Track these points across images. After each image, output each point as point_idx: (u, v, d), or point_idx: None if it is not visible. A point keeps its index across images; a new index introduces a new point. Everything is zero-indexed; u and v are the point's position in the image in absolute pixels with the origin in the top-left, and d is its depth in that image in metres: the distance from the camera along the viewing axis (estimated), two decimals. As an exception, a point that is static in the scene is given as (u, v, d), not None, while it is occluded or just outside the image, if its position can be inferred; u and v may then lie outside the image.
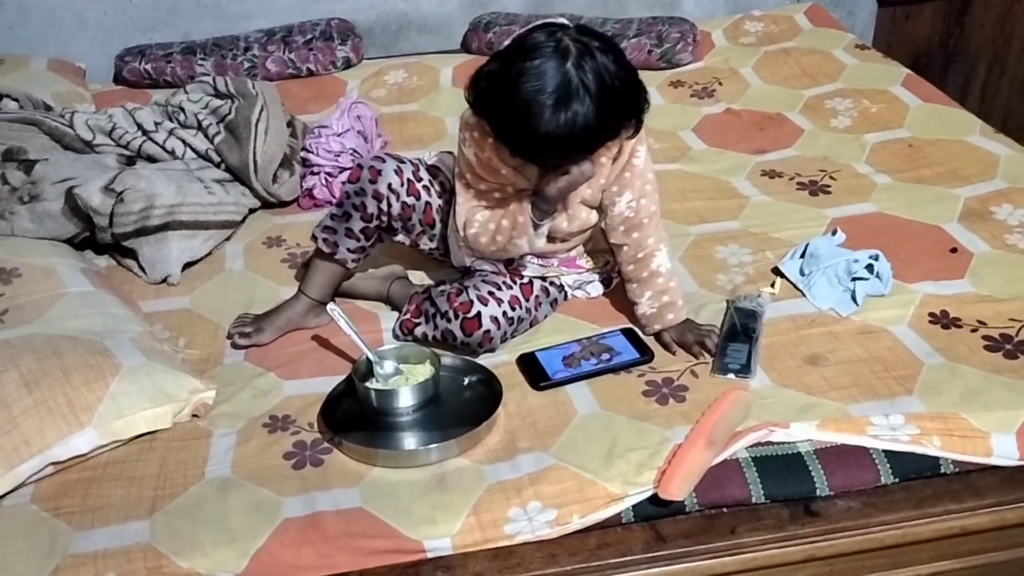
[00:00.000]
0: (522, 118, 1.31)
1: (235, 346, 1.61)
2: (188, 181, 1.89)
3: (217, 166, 2.03)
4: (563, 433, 1.38)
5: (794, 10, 2.94)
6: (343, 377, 1.51)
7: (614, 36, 2.63)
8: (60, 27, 2.76)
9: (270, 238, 1.96)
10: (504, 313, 1.55)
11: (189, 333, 1.68)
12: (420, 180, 1.62)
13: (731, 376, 1.48)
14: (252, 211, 2.04)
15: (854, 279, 1.64)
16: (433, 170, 1.66)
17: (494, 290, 1.57)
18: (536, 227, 1.51)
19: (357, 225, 1.59)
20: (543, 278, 1.66)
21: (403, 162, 1.61)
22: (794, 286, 1.69)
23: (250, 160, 1.98)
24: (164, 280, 1.82)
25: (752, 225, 1.91)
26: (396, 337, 1.64)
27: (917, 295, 1.64)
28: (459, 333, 1.54)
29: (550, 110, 1.29)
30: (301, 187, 2.09)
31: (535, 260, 1.66)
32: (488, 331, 1.53)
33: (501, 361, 1.56)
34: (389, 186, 1.57)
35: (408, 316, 1.62)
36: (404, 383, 1.47)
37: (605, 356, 1.54)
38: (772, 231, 1.88)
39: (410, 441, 1.41)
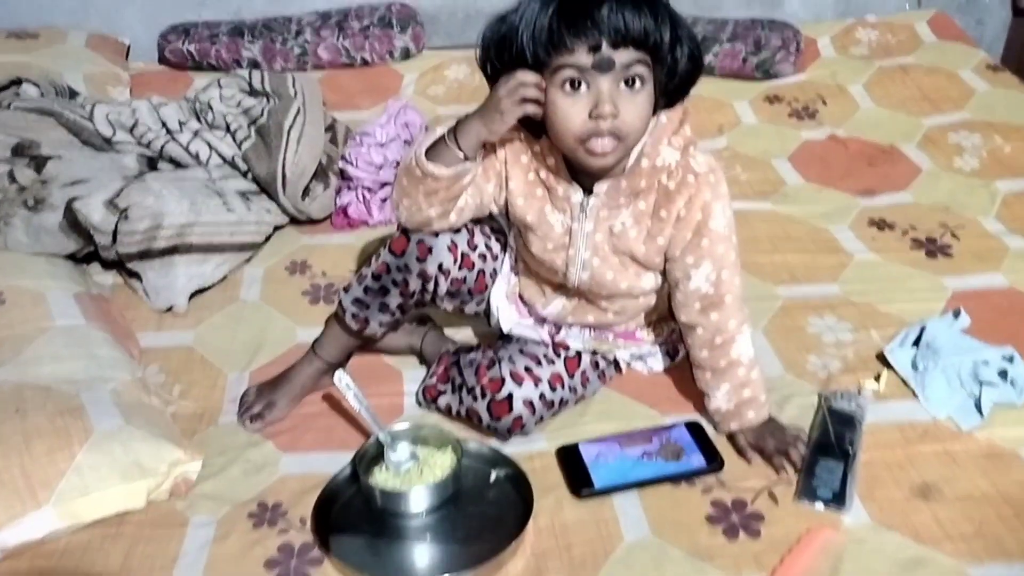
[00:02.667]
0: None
1: (247, 428, 1.37)
2: (205, 196, 1.66)
3: (244, 175, 1.81)
4: (603, 568, 1.12)
5: (915, 18, 2.57)
6: (351, 454, 1.27)
7: (704, 39, 2.31)
8: (105, -3, 2.56)
9: (294, 263, 1.73)
10: (542, 395, 1.29)
11: (187, 379, 1.46)
12: (475, 248, 1.34)
13: (820, 506, 1.19)
14: (279, 227, 1.81)
15: (981, 383, 1.33)
16: (489, 229, 1.39)
17: (532, 365, 1.31)
18: (582, 205, 1.25)
19: (395, 301, 1.33)
20: (594, 351, 1.39)
21: (458, 231, 1.32)
22: (904, 382, 1.39)
23: (278, 172, 1.74)
24: (170, 309, 1.60)
25: (855, 292, 1.60)
26: (419, 403, 1.39)
27: (1059, 409, 1.32)
28: (486, 415, 1.29)
29: None
30: (336, 203, 1.85)
31: (586, 333, 1.39)
32: (520, 417, 1.28)
33: (537, 450, 1.31)
34: (440, 266, 1.30)
35: (434, 381, 1.38)
36: (418, 475, 1.23)
37: (664, 457, 1.27)
38: (879, 302, 1.57)
39: (417, 559, 1.17)
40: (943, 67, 2.33)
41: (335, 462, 1.28)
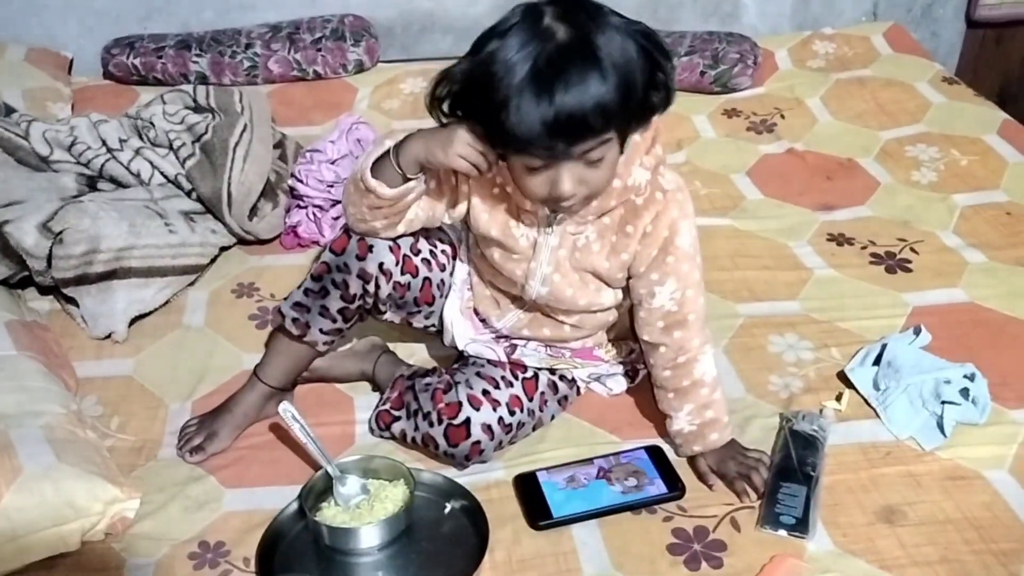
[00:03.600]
0: (505, 101, 0.99)
1: (186, 460, 1.31)
2: (145, 217, 1.60)
3: (188, 195, 1.74)
4: (562, 605, 1.08)
5: (871, 30, 2.57)
6: (298, 487, 1.21)
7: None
8: (46, 8, 2.47)
9: (241, 285, 1.67)
10: (500, 419, 1.25)
11: (126, 411, 1.40)
12: (418, 253, 1.31)
13: (783, 532, 1.16)
14: (225, 248, 1.75)
15: (943, 403, 1.30)
16: (436, 240, 1.35)
17: (490, 388, 1.26)
18: (549, 220, 1.20)
19: (335, 305, 1.29)
20: (551, 370, 1.35)
21: (401, 236, 1.28)
22: (866, 402, 1.37)
23: (224, 191, 1.68)
24: (108, 336, 1.53)
25: (815, 308, 1.58)
26: (371, 431, 1.34)
27: (1022, 427, 1.30)
28: (443, 442, 1.24)
29: (536, 79, 0.98)
30: (285, 223, 1.79)
31: (541, 348, 1.35)
32: (478, 442, 1.23)
33: (494, 479, 1.26)
34: (381, 266, 1.26)
35: (388, 407, 1.32)
36: (368, 511, 1.18)
37: (625, 484, 1.23)
38: (839, 319, 1.55)
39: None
40: (900, 80, 2.33)
41: (282, 497, 1.23)
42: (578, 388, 1.40)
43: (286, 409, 1.22)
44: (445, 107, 1.10)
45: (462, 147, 1.10)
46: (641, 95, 1.05)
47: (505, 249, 1.25)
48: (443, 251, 1.35)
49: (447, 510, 1.21)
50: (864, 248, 1.73)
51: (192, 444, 1.30)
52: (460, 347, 1.35)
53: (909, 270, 1.66)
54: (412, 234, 1.29)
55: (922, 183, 1.93)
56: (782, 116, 2.21)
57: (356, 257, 1.25)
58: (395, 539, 1.16)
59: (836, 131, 2.15)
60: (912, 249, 1.72)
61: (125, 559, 1.15)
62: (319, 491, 1.21)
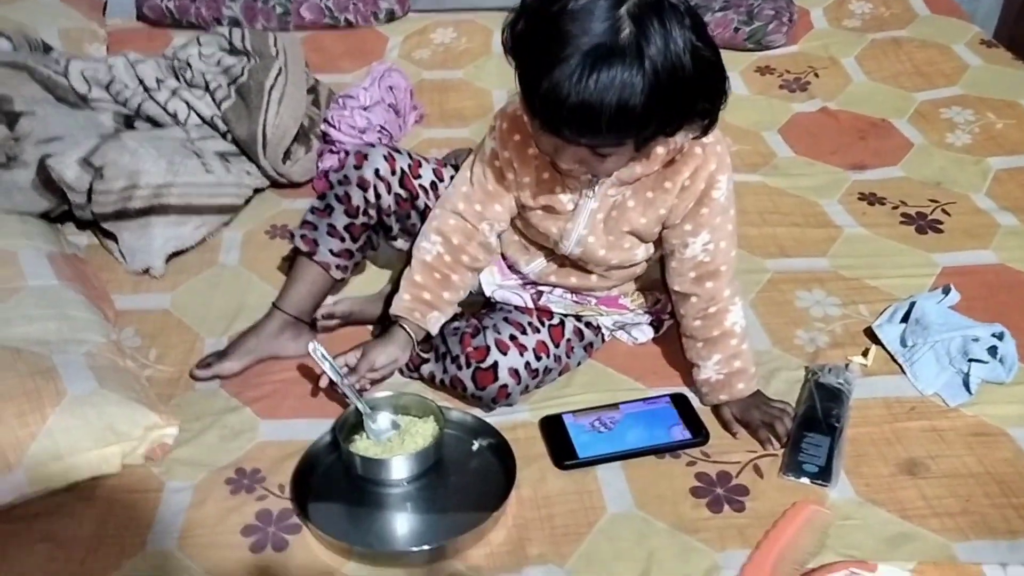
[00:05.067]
0: (546, 64, 0.96)
1: (194, 377, 1.35)
2: (183, 156, 1.62)
3: (223, 136, 1.76)
4: (586, 539, 1.11)
5: (909, -9, 2.53)
6: (331, 421, 1.25)
7: (696, 7, 2.26)
8: (82, -51, 2.47)
9: (274, 227, 1.69)
10: (527, 364, 1.27)
11: (163, 343, 1.43)
12: (418, 177, 1.37)
13: (805, 480, 1.18)
14: (259, 191, 1.77)
15: (970, 360, 1.31)
16: (439, 173, 1.39)
17: (517, 334, 1.28)
18: (591, 182, 1.21)
19: (341, 220, 1.35)
20: (577, 317, 1.37)
21: (399, 152, 1.37)
22: (892, 358, 1.38)
23: (259, 134, 1.70)
24: (146, 271, 1.56)
25: (844, 266, 1.58)
26: (400, 372, 1.37)
27: (1047, 387, 1.32)
28: (470, 384, 1.26)
29: (581, 62, 0.95)
30: (317, 167, 1.81)
31: (567, 295, 1.37)
32: (505, 385, 1.25)
33: (521, 420, 1.29)
34: (377, 172, 1.33)
35: (418, 350, 1.35)
36: (399, 444, 1.21)
37: (648, 429, 1.25)
38: (868, 277, 1.55)
39: (397, 528, 1.15)
40: (936, 41, 2.30)
41: (315, 429, 1.25)
42: (603, 336, 1.42)
43: (315, 349, 1.24)
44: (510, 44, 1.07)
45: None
46: (676, 120, 1.04)
47: (547, 211, 1.27)
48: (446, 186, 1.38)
49: (475, 447, 1.24)
50: (895, 208, 1.73)
51: (203, 361, 1.35)
52: (487, 293, 1.37)
53: (940, 231, 1.66)
54: (413, 158, 1.37)
55: (956, 145, 1.92)
56: (816, 75, 2.20)
57: (353, 167, 1.34)
58: (424, 472, 1.19)
59: (870, 91, 2.13)
60: (944, 210, 1.71)
61: (164, 482, 1.19)
62: (352, 424, 1.24)
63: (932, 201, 1.74)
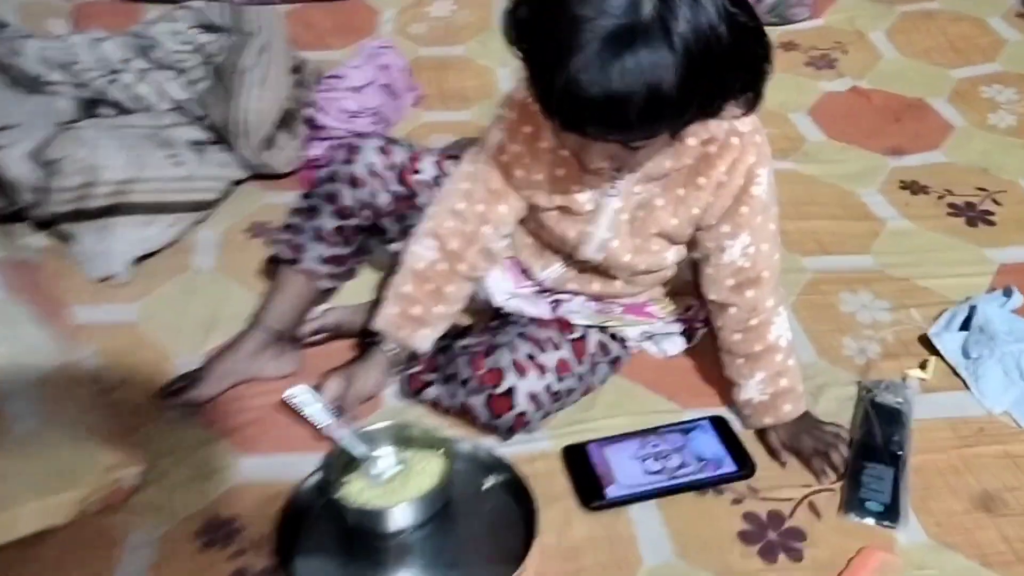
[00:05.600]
0: (560, 55, 0.81)
1: (161, 406, 1.18)
2: (149, 147, 1.44)
3: (197, 122, 1.58)
4: (621, 599, 0.95)
5: (938, -41, 2.35)
6: (322, 454, 1.08)
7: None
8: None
9: (255, 224, 1.52)
10: (547, 387, 1.11)
11: (128, 363, 1.26)
12: (418, 172, 1.19)
13: (870, 521, 1.03)
14: (239, 183, 1.59)
15: (1045, 375, 1.16)
16: (442, 166, 1.21)
17: (535, 352, 1.12)
18: (612, 177, 1.05)
19: (329, 223, 1.18)
20: (601, 328, 1.20)
21: (395, 143, 1.21)
22: (953, 371, 1.22)
23: (237, 119, 1.52)
24: (108, 278, 1.39)
25: (891, 264, 1.42)
26: (402, 396, 1.20)
27: None
28: (484, 412, 1.10)
29: (600, 49, 0.79)
30: (304, 155, 1.63)
31: (589, 304, 1.21)
32: (523, 413, 1.09)
33: (539, 450, 1.13)
34: (370, 169, 1.17)
35: (420, 369, 1.18)
36: (401, 486, 1.04)
37: (686, 461, 1.10)
38: (918, 276, 1.39)
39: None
40: (970, 14, 2.14)
41: (303, 466, 1.09)
42: (628, 349, 1.25)
43: (291, 396, 1.08)
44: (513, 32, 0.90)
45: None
46: (716, 99, 0.87)
47: (564, 212, 1.10)
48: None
49: (486, 486, 1.08)
50: (941, 198, 1.57)
51: (171, 387, 1.17)
52: (498, 303, 1.21)
53: (992, 223, 1.51)
54: (411, 149, 1.21)
55: (1000, 127, 1.76)
56: (844, 51, 2.03)
57: (343, 162, 1.18)
58: (430, 519, 1.03)
59: (903, 68, 1.97)
60: (994, 200, 1.56)
61: (123, 535, 1.02)
62: (344, 463, 1.07)
63: (980, 190, 1.58)
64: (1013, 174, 1.63)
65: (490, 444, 1.12)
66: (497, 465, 1.09)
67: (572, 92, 0.81)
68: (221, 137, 1.56)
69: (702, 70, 0.82)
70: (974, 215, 1.52)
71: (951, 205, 1.55)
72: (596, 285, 1.19)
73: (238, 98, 1.53)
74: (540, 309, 1.19)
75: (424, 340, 1.14)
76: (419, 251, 1.13)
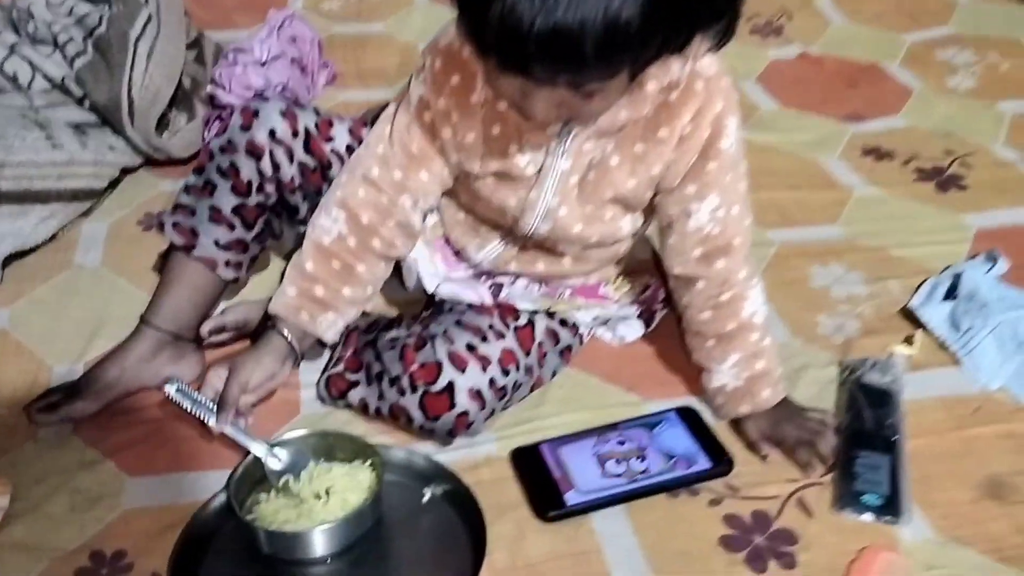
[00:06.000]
0: None
1: (33, 422, 0.99)
2: (20, 127, 1.25)
3: (79, 102, 1.38)
4: (590, 627, 0.80)
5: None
6: (227, 472, 0.90)
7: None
8: None
9: (150, 215, 1.33)
10: (491, 381, 0.95)
11: (-4, 376, 1.06)
12: (330, 140, 1.03)
13: (868, 517, 0.89)
14: (130, 171, 1.40)
15: (1043, 344, 1.05)
16: (357, 134, 1.05)
17: (476, 342, 0.96)
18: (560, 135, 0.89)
19: (228, 201, 1.01)
20: (549, 314, 1.05)
21: (301, 108, 1.04)
22: (941, 345, 1.10)
23: (123, 97, 1.33)
24: (-25, 280, 1.19)
25: (862, 234, 1.30)
26: (321, 399, 1.03)
27: None
28: (418, 415, 0.94)
29: None
30: (204, 138, 1.44)
31: (534, 288, 1.05)
32: (465, 413, 0.93)
33: (484, 455, 0.97)
34: (272, 134, 1.00)
35: (341, 368, 1.02)
36: (322, 505, 0.87)
37: (653, 460, 0.95)
38: (892, 246, 1.28)
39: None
40: (916, -22, 2.05)
41: (203, 486, 0.92)
42: (581, 336, 1.10)
43: (170, 388, 0.92)
44: None
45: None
46: (685, 28, 0.72)
47: (501, 179, 0.95)
48: None
49: (426, 498, 0.92)
50: (907, 163, 1.46)
51: (45, 401, 0.99)
52: (430, 289, 1.04)
53: (963, 187, 1.40)
54: (322, 115, 1.05)
55: (960, 90, 1.67)
56: (789, 18, 1.92)
57: (240, 128, 1.01)
58: (359, 540, 0.86)
59: (852, 34, 1.87)
60: (963, 163, 1.45)
61: (-14, 581, 0.84)
62: (255, 479, 0.90)
63: (947, 153, 1.48)
64: (980, 137, 1.53)
65: (428, 451, 0.96)
66: (437, 474, 0.93)
67: (511, 24, 0.66)
68: (106, 118, 1.37)
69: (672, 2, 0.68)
70: (944, 179, 1.42)
71: (918, 170, 1.44)
72: (541, 265, 1.04)
73: (123, 74, 1.34)
74: (479, 294, 1.03)
75: (328, 327, 0.97)
76: (325, 224, 0.96)
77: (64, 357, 1.09)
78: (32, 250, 1.25)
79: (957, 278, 1.15)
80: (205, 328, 1.05)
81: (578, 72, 0.71)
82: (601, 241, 0.99)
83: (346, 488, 0.89)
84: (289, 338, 0.95)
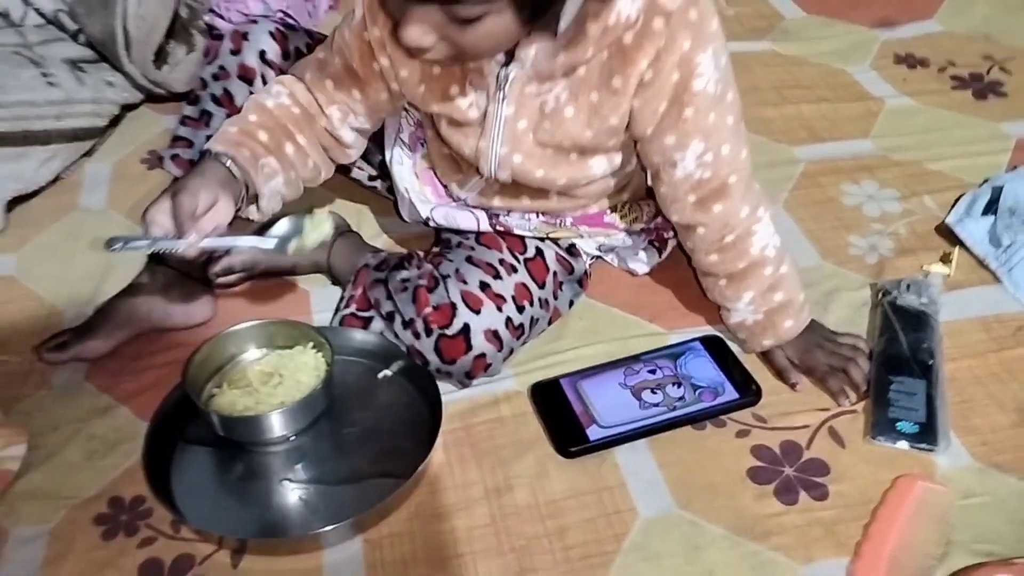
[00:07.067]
0: None
1: (44, 360, 0.98)
2: (14, 66, 1.20)
3: (73, 38, 1.33)
4: (615, 563, 0.78)
5: None
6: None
7: None
8: None
9: (153, 153, 1.29)
10: (508, 320, 0.92)
11: (5, 323, 1.05)
12: None
13: (904, 444, 0.86)
14: (131, 108, 1.36)
15: (1089, 258, 1.00)
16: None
17: (488, 279, 0.93)
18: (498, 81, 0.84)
19: None
20: (553, 241, 1.01)
21: (292, 28, 1.01)
22: (980, 263, 1.05)
23: (118, 29, 1.28)
24: (-24, 226, 1.17)
25: (895, 148, 1.24)
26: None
27: None
28: (434, 358, 0.91)
29: None
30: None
31: (531, 215, 1.00)
32: (483, 355, 0.91)
33: (503, 391, 0.95)
34: (262, 56, 0.97)
35: (352, 309, 0.98)
36: (276, 388, 0.91)
37: (678, 390, 0.92)
38: (928, 159, 1.22)
39: (290, 506, 0.85)
40: None
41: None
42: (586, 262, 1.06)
43: (115, 245, 0.82)
44: None
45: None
46: None
47: (452, 122, 0.89)
48: None
49: (382, 375, 0.94)
50: (942, 70, 1.39)
51: (55, 341, 0.98)
52: (423, 215, 1.01)
53: (1003, 94, 1.34)
54: (309, 33, 1.02)
55: (999, -11, 1.57)
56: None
57: (231, 53, 0.98)
58: (315, 421, 0.89)
59: (882, -66, 1.76)
60: (1003, 69, 1.39)
61: (7, 528, 0.83)
62: (210, 370, 0.93)
63: (985, 58, 1.41)
64: (1021, 39, 1.45)
65: (447, 389, 0.93)
66: (394, 354, 0.93)
67: None
68: (102, 54, 1.32)
69: None
70: (982, 87, 1.35)
71: (955, 77, 1.38)
72: (526, 200, 0.97)
73: (116, 5, 1.28)
74: (475, 217, 0.99)
75: (268, 177, 0.89)
76: (267, 94, 0.92)
77: (74, 301, 1.07)
78: (35, 193, 1.22)
79: (997, 191, 1.09)
80: (215, 269, 1.02)
81: None
82: (572, 184, 0.92)
83: (297, 370, 0.91)
84: (229, 166, 0.86)
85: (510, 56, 0.81)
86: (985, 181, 1.15)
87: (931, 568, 0.75)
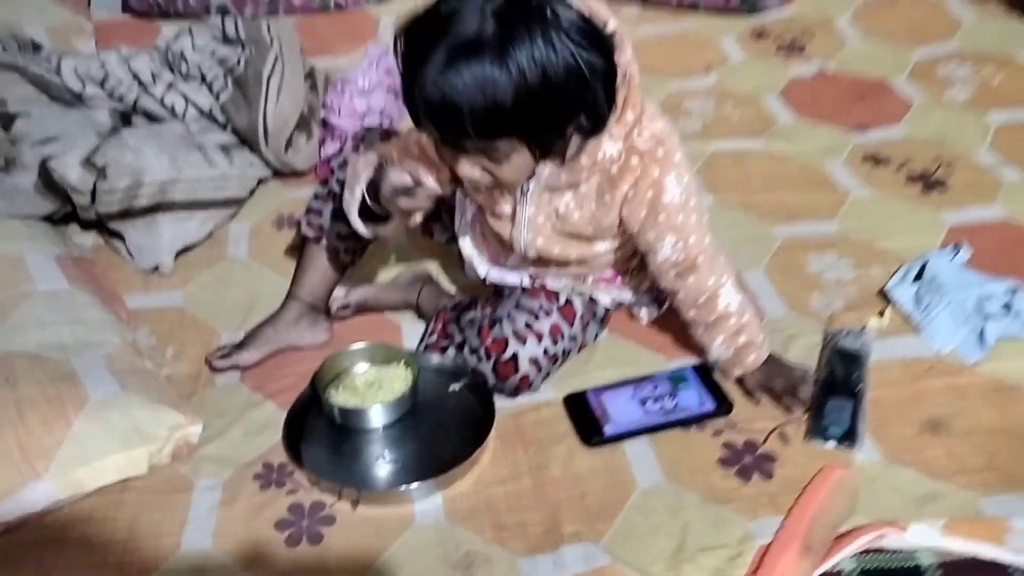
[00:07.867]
0: (416, 64, 0.97)
1: (213, 369, 1.36)
2: (185, 150, 1.60)
3: (223, 127, 1.74)
4: (619, 515, 1.12)
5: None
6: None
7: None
8: (61, -57, 2.43)
9: (281, 217, 1.68)
10: (545, 351, 1.27)
11: (179, 340, 1.42)
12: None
13: (831, 444, 1.19)
14: (262, 181, 1.75)
15: (986, 316, 1.32)
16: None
17: (531, 321, 1.28)
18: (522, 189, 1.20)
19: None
20: (580, 294, 1.36)
21: (396, 133, 1.43)
22: (907, 318, 1.38)
23: (260, 124, 1.68)
24: (156, 268, 1.55)
25: (853, 229, 1.58)
26: (426, 348, 1.37)
27: (1063, 341, 1.33)
28: (491, 377, 1.27)
29: (444, 57, 0.95)
30: (319, 154, 1.79)
31: (561, 278, 1.35)
32: (526, 376, 1.26)
33: (544, 399, 1.29)
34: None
35: (435, 339, 1.35)
36: (376, 391, 1.29)
37: (672, 402, 1.26)
38: (878, 238, 1.56)
39: (379, 471, 1.23)
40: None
41: (339, 418, 1.26)
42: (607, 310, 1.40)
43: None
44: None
45: (390, 200, 1.14)
46: (556, 116, 1.02)
47: (493, 214, 1.27)
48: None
49: (451, 389, 1.29)
50: (900, 168, 1.73)
51: (220, 352, 1.36)
52: (481, 274, 1.37)
53: (944, 189, 1.67)
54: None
55: (956, 102, 1.92)
56: (811, 36, 2.19)
57: (353, 150, 1.35)
58: (403, 417, 1.26)
59: (866, 52, 2.13)
60: (948, 166, 1.72)
61: (193, 481, 1.19)
62: (331, 377, 1.31)
63: (936, 159, 1.74)
64: (966, 144, 1.78)
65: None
66: (460, 371, 1.30)
67: (420, 94, 0.97)
68: (246, 141, 1.72)
69: (538, 97, 0.96)
70: (929, 182, 1.68)
71: (909, 175, 1.71)
72: (553, 268, 1.33)
73: (259, 105, 1.69)
74: (521, 278, 1.35)
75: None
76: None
77: (229, 326, 1.44)
78: (194, 246, 1.61)
79: (924, 266, 1.43)
80: (334, 307, 1.41)
81: (462, 137, 1.02)
82: (582, 258, 1.29)
83: (392, 380, 1.29)
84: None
85: (530, 175, 1.18)
86: (921, 256, 1.48)
87: (837, 525, 1.08)
